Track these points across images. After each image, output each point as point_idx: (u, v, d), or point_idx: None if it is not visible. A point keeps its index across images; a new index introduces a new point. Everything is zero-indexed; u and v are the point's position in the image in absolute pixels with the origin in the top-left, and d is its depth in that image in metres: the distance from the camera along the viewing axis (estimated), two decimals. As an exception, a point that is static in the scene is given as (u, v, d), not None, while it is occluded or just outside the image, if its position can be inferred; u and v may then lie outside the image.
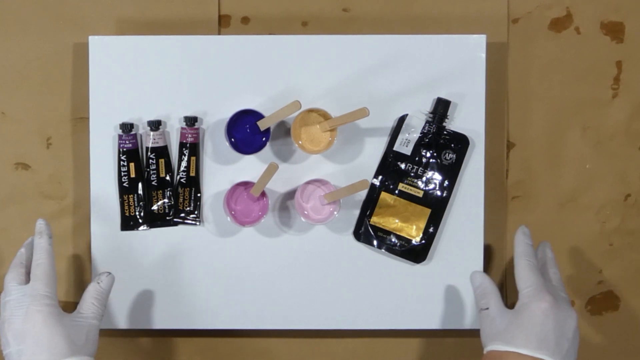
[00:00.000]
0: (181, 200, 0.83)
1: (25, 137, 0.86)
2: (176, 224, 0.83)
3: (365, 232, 0.84)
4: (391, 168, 0.83)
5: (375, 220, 0.84)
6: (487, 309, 0.75)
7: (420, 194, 0.83)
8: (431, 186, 0.83)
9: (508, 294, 0.88)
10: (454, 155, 0.83)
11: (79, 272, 0.86)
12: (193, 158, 0.83)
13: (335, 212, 0.81)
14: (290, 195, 0.84)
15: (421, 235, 0.83)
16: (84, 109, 0.85)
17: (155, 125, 0.82)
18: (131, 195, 0.83)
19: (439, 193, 0.83)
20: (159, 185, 0.83)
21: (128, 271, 0.83)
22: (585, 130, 0.88)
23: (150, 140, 0.82)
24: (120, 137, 0.82)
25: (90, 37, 0.82)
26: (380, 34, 0.85)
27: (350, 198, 0.84)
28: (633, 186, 0.89)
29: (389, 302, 0.84)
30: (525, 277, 0.75)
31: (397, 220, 0.83)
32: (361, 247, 0.84)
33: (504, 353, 0.71)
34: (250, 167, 0.83)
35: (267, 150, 0.83)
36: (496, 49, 0.86)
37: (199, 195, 0.83)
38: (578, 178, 0.88)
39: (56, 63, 0.86)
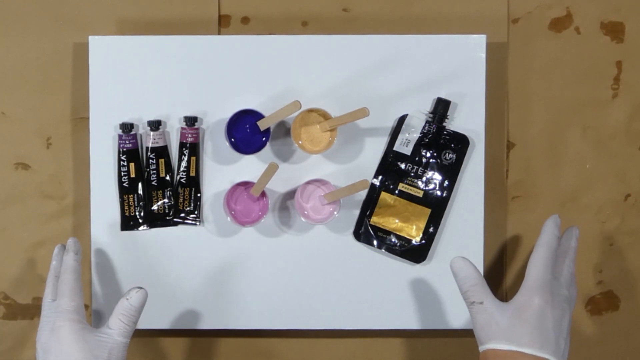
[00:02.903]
0: (181, 200, 0.83)
1: (25, 137, 0.86)
2: (176, 224, 0.83)
3: (365, 232, 0.84)
4: (391, 168, 0.83)
5: (375, 220, 0.84)
6: (482, 303, 0.71)
7: (420, 194, 0.83)
8: (431, 186, 0.83)
9: (508, 293, 0.88)
10: (454, 155, 0.83)
11: (79, 272, 0.86)
12: (193, 158, 0.83)
13: (335, 212, 0.81)
14: (290, 195, 0.84)
15: (421, 235, 0.83)
16: (84, 109, 0.85)
17: (155, 125, 0.82)
18: (131, 195, 0.83)
19: (439, 193, 0.83)
20: (159, 185, 0.83)
21: (128, 271, 0.83)
22: (585, 130, 0.88)
23: (150, 140, 0.82)
24: (120, 137, 0.82)
25: (90, 37, 0.82)
26: (380, 34, 0.85)
27: (350, 198, 0.84)
28: (633, 186, 0.89)
29: (389, 302, 0.84)
30: (536, 268, 0.72)
31: (397, 220, 0.83)
32: (361, 247, 0.84)
33: (507, 352, 0.68)
34: (250, 167, 0.83)
35: (267, 150, 0.83)
36: (496, 49, 0.86)
37: (199, 195, 0.83)
38: (578, 178, 0.88)
39: (56, 63, 0.86)
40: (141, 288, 0.75)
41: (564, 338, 0.70)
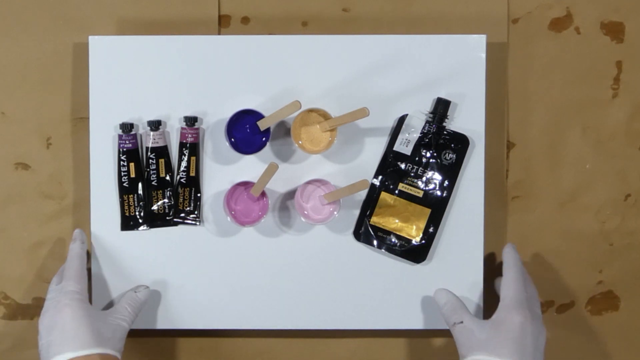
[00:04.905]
0: (181, 200, 0.83)
1: (25, 137, 0.86)
2: (176, 224, 0.83)
3: (365, 232, 0.84)
4: (391, 168, 0.83)
5: (375, 220, 0.84)
6: (462, 322, 0.76)
7: (420, 194, 0.83)
8: (431, 186, 0.83)
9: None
10: (454, 155, 0.83)
11: (79, 272, 0.87)
12: (193, 158, 0.83)
13: (335, 212, 0.81)
14: (290, 195, 0.84)
15: (421, 235, 0.83)
16: (84, 109, 0.85)
17: (155, 125, 0.82)
18: (131, 195, 0.83)
19: (439, 193, 0.83)
20: (159, 185, 0.83)
21: (128, 271, 0.83)
22: (585, 130, 0.88)
23: (150, 140, 0.82)
24: (120, 137, 0.82)
25: (90, 37, 0.82)
26: (380, 34, 0.85)
27: (350, 198, 0.84)
28: (633, 186, 0.89)
29: (389, 302, 0.84)
30: (512, 288, 0.76)
31: (397, 220, 0.84)
32: (361, 247, 0.84)
33: None
34: (250, 167, 0.83)
35: (267, 150, 0.83)
36: (496, 49, 0.86)
37: (199, 195, 0.83)
38: (578, 178, 0.88)
39: (56, 63, 0.86)
40: (148, 287, 0.81)
41: (541, 353, 0.73)
